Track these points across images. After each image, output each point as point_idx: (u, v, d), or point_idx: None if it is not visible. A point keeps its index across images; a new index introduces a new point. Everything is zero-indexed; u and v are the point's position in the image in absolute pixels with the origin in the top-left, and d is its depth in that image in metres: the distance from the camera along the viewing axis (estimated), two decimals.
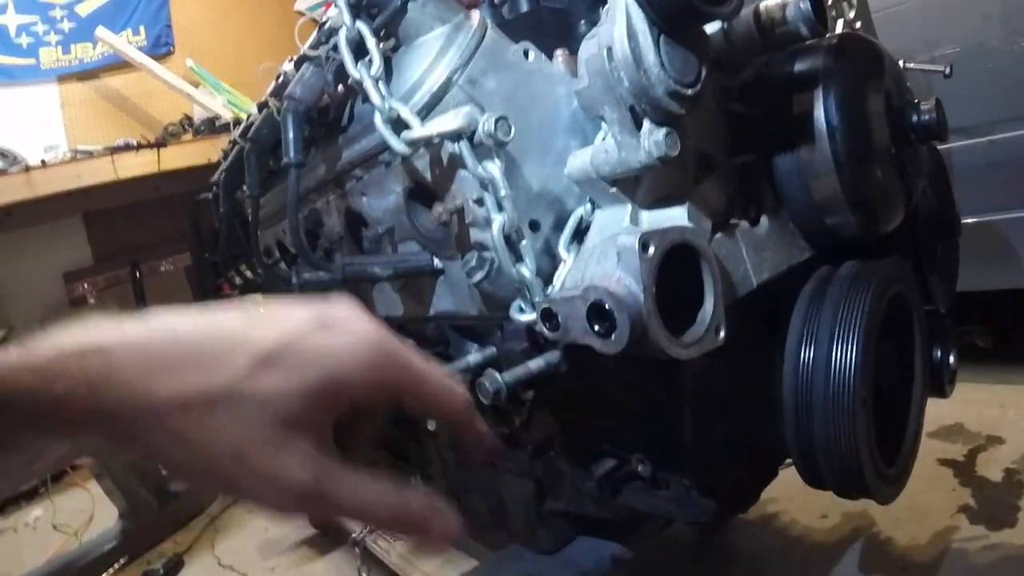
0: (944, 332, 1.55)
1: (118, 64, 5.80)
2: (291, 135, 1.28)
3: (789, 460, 1.35)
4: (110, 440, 0.51)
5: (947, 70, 2.14)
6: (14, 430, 0.50)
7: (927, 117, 1.33)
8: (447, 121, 1.04)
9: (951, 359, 1.55)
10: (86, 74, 5.84)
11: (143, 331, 0.53)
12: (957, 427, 2.62)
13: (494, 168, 1.03)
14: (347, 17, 1.15)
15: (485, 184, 1.04)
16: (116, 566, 3.11)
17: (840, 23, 1.68)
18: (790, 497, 2.32)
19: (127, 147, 5.15)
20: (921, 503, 2.18)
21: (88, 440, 0.52)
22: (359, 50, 1.16)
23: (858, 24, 1.71)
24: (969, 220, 1.89)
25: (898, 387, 1.43)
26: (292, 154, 1.28)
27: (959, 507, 2.18)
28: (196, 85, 5.59)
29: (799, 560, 2.13)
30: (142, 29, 6.01)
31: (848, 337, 1.19)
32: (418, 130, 1.06)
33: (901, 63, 1.65)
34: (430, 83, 1.11)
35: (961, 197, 1.78)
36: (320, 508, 0.54)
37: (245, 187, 1.63)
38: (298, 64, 1.39)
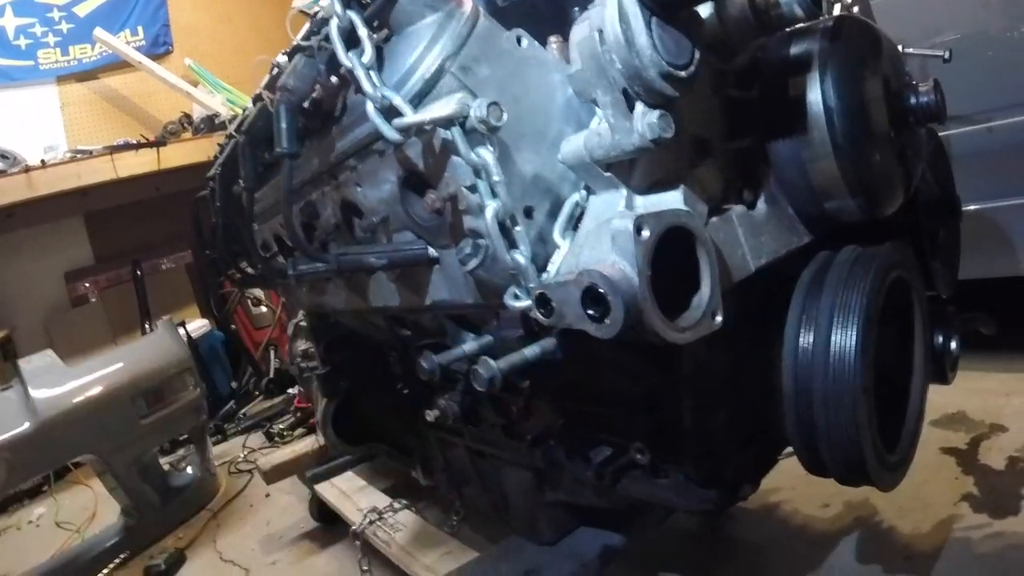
0: (947, 318, 1.54)
1: (117, 64, 5.82)
2: (283, 125, 1.27)
3: (790, 448, 1.34)
4: None
5: (946, 54, 2.13)
6: None
7: (925, 99, 1.31)
8: (439, 108, 1.03)
9: (953, 345, 1.54)
10: (85, 74, 5.86)
11: None
12: (960, 415, 2.61)
13: (487, 154, 1.02)
14: (338, 6, 1.14)
15: (478, 170, 1.03)
16: (118, 561, 3.12)
17: (838, 6, 1.67)
18: (792, 486, 2.31)
19: (127, 146, 5.16)
20: (924, 492, 2.18)
21: None
22: (351, 39, 1.15)
23: (856, 8, 1.70)
24: (969, 208, 1.87)
25: (900, 373, 1.42)
26: (285, 144, 1.27)
27: (962, 495, 2.17)
28: (195, 84, 5.60)
29: (801, 549, 2.12)
30: (140, 29, 6.03)
31: (848, 322, 1.18)
32: (410, 117, 1.05)
33: (900, 48, 1.64)
34: (422, 71, 1.10)
35: (960, 184, 1.77)
36: None
37: (241, 181, 1.62)
38: (291, 55, 1.38)
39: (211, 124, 5.24)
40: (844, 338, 1.17)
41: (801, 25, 1.18)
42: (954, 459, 2.37)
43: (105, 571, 3.02)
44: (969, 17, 2.60)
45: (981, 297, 2.08)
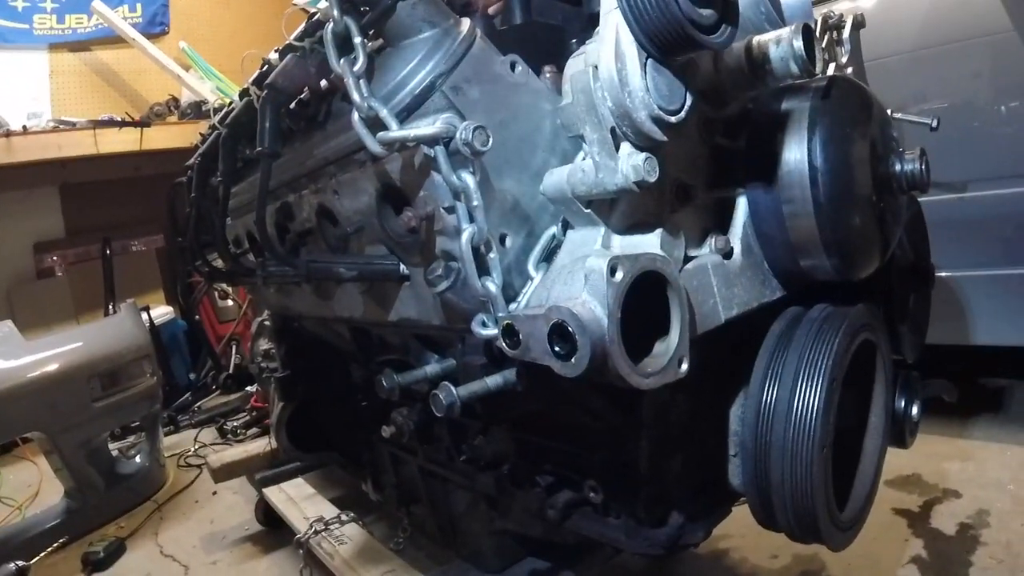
0: (910, 383, 1.54)
1: (111, 38, 5.75)
2: (267, 124, 1.25)
3: (744, 498, 1.34)
4: None
5: (934, 123, 2.15)
6: None
7: (911, 167, 1.32)
8: (425, 125, 1.02)
9: (914, 411, 1.54)
10: (78, 45, 5.79)
11: None
12: (915, 478, 2.63)
13: (468, 177, 1.00)
14: (335, 11, 1.12)
15: (458, 193, 1.01)
16: (56, 545, 3.05)
17: (832, 66, 1.68)
18: (742, 535, 2.30)
19: (111, 122, 5.10)
20: (873, 551, 2.18)
21: None
22: (344, 46, 1.14)
23: (850, 69, 1.71)
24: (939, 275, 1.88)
25: (858, 433, 1.42)
26: (266, 144, 1.25)
27: (911, 558, 2.17)
28: (187, 68, 5.54)
29: None
30: (139, 6, 5.97)
31: (812, 381, 1.17)
32: (395, 131, 1.04)
33: (888, 112, 1.65)
34: (412, 86, 1.08)
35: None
36: None
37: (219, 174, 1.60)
38: (283, 54, 1.36)
39: (198, 110, 5.19)
40: (808, 396, 1.17)
41: (795, 81, 1.19)
42: (905, 521, 2.37)
43: (43, 554, 2.95)
44: (959, 87, 2.63)
45: (942, 363, 2.10)
